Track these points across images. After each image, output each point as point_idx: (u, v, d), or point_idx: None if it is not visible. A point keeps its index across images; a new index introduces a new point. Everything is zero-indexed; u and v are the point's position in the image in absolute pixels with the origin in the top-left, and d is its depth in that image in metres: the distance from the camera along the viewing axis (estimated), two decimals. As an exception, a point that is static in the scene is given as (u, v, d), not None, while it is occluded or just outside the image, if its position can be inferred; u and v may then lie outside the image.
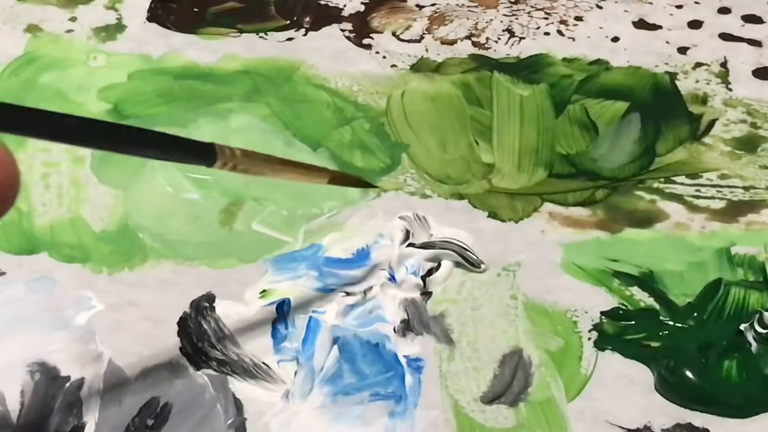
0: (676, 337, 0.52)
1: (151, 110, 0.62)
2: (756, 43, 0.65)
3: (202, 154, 0.43)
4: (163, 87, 0.64)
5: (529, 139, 0.61)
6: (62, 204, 0.58)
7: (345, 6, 0.69)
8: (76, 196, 0.59)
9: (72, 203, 0.58)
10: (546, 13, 0.68)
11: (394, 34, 0.67)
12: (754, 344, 0.52)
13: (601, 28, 0.67)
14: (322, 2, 0.69)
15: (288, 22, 0.68)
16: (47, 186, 0.59)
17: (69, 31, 0.67)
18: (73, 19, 0.68)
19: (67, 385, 0.51)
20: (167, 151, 0.42)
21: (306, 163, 0.51)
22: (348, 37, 0.67)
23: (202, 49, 0.66)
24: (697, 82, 0.63)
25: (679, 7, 0.68)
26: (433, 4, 0.69)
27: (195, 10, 0.69)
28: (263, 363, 0.52)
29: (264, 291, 0.55)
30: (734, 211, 0.57)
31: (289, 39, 0.67)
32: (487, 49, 0.66)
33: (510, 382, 0.51)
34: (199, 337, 0.53)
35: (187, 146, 0.43)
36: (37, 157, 0.60)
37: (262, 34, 0.67)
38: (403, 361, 0.52)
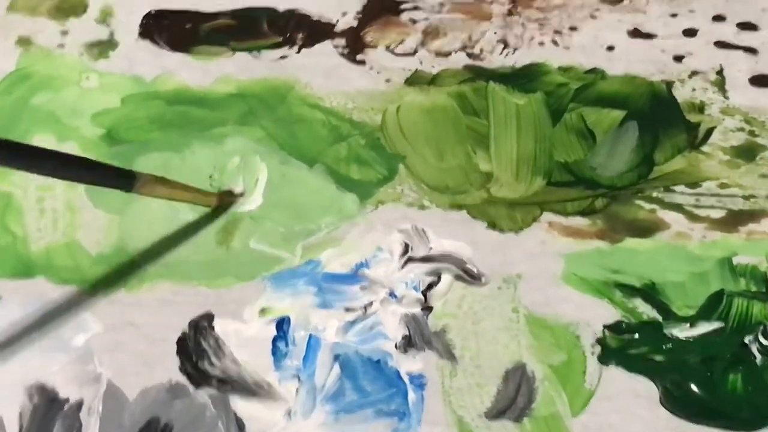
0: (680, 351, 0.52)
1: (145, 136, 0.62)
2: (752, 50, 0.65)
3: (123, 179, 0.53)
4: (156, 113, 0.63)
5: (526, 147, 0.61)
6: (57, 229, 0.58)
7: (338, 21, 0.68)
8: (71, 221, 0.58)
9: (67, 228, 0.58)
10: (540, 23, 0.67)
11: (387, 48, 0.67)
12: (758, 357, 0.52)
13: (596, 37, 0.66)
14: (315, 18, 0.69)
15: (281, 38, 0.67)
16: (42, 210, 0.59)
17: (60, 45, 0.67)
18: (64, 33, 0.68)
19: (66, 407, 0.51)
20: (90, 175, 0.53)
21: (200, 189, 0.58)
22: (341, 53, 0.66)
23: (195, 70, 0.66)
24: (693, 90, 0.63)
25: (674, 15, 0.67)
26: (426, 18, 0.68)
27: (187, 26, 0.68)
28: (264, 381, 0.52)
29: (263, 309, 0.55)
30: (735, 220, 0.57)
31: (283, 57, 0.66)
32: (482, 59, 0.66)
33: (514, 398, 0.51)
34: (199, 356, 0.53)
35: (108, 172, 0.53)
36: (31, 181, 0.60)
37: (255, 53, 0.67)
38: (406, 377, 0.52)
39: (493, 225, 0.58)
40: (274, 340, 0.53)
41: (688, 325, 0.53)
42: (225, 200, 0.59)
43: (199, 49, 0.67)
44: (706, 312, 0.53)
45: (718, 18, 0.67)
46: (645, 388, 0.51)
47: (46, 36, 0.68)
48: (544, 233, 0.57)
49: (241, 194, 0.59)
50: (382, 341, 0.53)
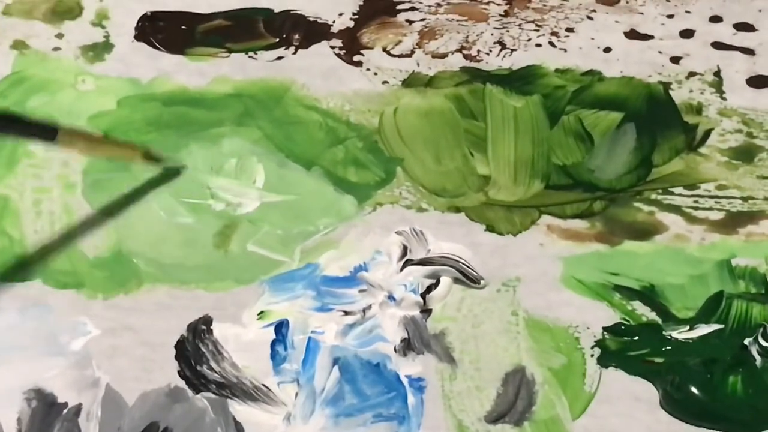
0: (679, 353, 0.52)
1: (142, 137, 0.62)
2: (749, 51, 0.65)
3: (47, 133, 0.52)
4: (152, 114, 0.63)
5: (524, 150, 0.61)
6: (55, 232, 0.58)
7: (334, 22, 0.68)
8: (68, 223, 0.58)
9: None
10: (537, 25, 0.67)
11: (384, 49, 0.67)
12: (758, 358, 0.52)
13: (592, 39, 0.66)
14: (311, 19, 0.68)
15: (277, 39, 0.67)
16: (39, 213, 0.59)
17: (56, 48, 0.67)
18: (59, 36, 0.67)
19: (65, 411, 0.51)
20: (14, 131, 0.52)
21: (122, 141, 0.60)
22: (338, 54, 0.66)
23: (192, 72, 0.65)
24: (691, 91, 0.63)
25: (670, 16, 0.67)
26: (422, 19, 0.68)
27: (183, 28, 0.68)
28: (263, 385, 0.52)
29: (262, 312, 0.55)
30: (733, 222, 0.57)
31: (279, 58, 0.66)
32: (479, 61, 0.66)
33: (514, 401, 0.51)
34: (198, 360, 0.53)
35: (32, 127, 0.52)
36: (28, 183, 0.60)
37: (251, 54, 0.66)
38: (405, 381, 0.52)
39: (491, 228, 0.58)
40: (273, 344, 0.53)
41: (687, 327, 0.53)
42: (152, 160, 0.59)
43: (195, 50, 0.67)
44: (705, 314, 0.53)
45: (715, 19, 0.67)
46: (645, 391, 0.51)
47: (41, 39, 0.67)
48: (543, 236, 0.57)
49: (179, 165, 0.60)
50: (381, 344, 0.53)
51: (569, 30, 0.67)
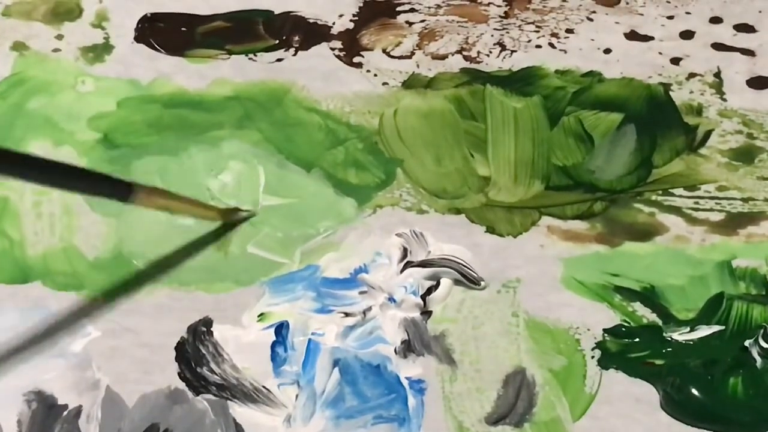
0: (680, 354, 0.52)
1: (142, 140, 0.62)
2: (749, 52, 0.65)
3: (120, 191, 0.51)
4: (153, 116, 0.63)
5: (524, 150, 0.61)
6: (54, 233, 0.58)
7: (334, 24, 0.68)
8: (68, 224, 0.58)
9: (64, 232, 0.58)
10: (537, 26, 0.67)
11: (384, 51, 0.67)
12: (759, 360, 0.52)
13: (592, 40, 0.66)
14: (311, 20, 0.68)
15: (277, 41, 0.67)
16: (39, 215, 0.58)
17: (56, 50, 0.67)
18: (59, 37, 0.67)
19: (65, 413, 0.51)
20: (88, 186, 0.51)
21: (201, 201, 0.58)
22: (338, 56, 0.66)
23: (191, 74, 0.65)
24: (691, 92, 0.63)
25: (670, 17, 0.67)
26: (422, 21, 0.68)
27: (183, 29, 0.68)
28: (263, 387, 0.52)
29: (262, 314, 0.55)
30: (734, 223, 0.57)
31: (279, 60, 0.66)
32: (479, 62, 0.66)
33: (514, 403, 0.51)
34: (198, 362, 0.53)
35: (105, 183, 0.51)
36: (28, 185, 0.59)
37: (251, 55, 0.66)
38: (405, 382, 0.52)
39: (491, 229, 0.58)
40: (273, 346, 0.53)
41: (688, 328, 0.53)
42: (229, 216, 0.58)
43: (195, 52, 0.67)
44: (706, 315, 0.53)
45: (715, 20, 0.67)
46: (645, 392, 0.51)
47: (41, 40, 0.67)
48: (543, 237, 0.57)
49: (250, 212, 0.58)
50: (381, 346, 0.53)
51: (569, 31, 0.67)
